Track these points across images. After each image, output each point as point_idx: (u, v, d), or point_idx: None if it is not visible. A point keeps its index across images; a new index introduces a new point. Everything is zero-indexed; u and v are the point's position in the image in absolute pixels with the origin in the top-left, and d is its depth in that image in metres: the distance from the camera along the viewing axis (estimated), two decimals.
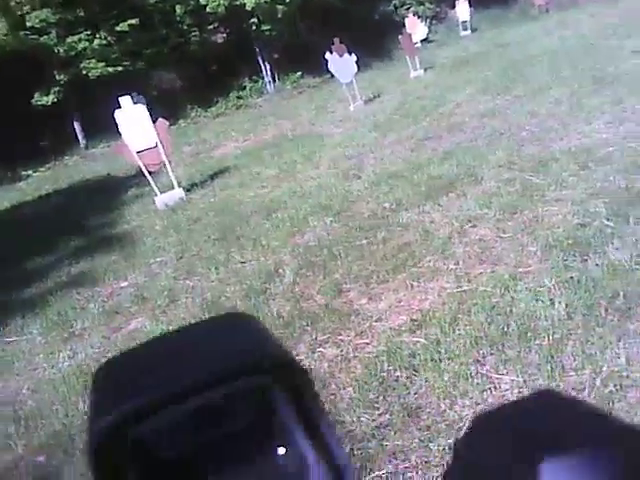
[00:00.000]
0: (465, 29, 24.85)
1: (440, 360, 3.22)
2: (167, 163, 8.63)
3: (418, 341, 3.48)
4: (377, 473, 2.57)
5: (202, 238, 6.57)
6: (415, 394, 3.02)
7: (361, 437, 2.80)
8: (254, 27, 21.57)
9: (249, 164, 9.99)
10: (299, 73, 22.44)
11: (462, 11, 24.35)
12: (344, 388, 3.24)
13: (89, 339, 4.82)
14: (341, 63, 12.82)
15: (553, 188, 5.30)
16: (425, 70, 15.89)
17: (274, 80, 22.51)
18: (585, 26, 16.65)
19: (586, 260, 3.90)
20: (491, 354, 3.17)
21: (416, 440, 2.69)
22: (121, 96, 8.48)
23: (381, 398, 3.06)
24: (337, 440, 0.39)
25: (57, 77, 18.35)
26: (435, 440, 2.66)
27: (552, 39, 15.88)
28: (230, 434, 0.42)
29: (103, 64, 18.57)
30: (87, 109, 18.12)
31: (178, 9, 20.34)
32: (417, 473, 2.52)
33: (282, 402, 0.39)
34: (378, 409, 2.98)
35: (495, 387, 2.91)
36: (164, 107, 15.76)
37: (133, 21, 18.77)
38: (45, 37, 17.95)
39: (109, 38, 18.75)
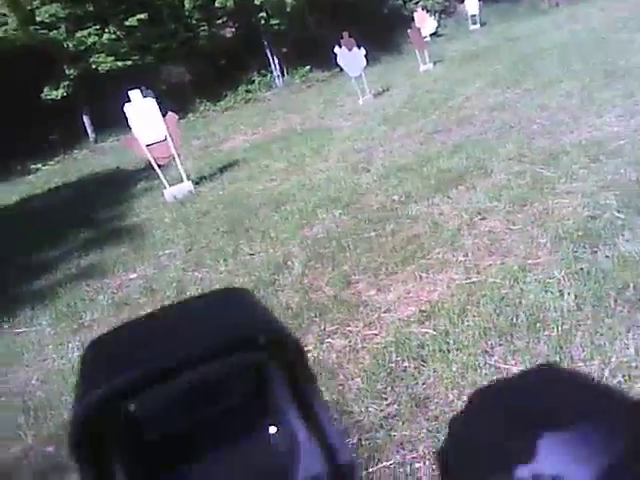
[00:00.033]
0: (474, 23, 24.77)
1: (448, 351, 3.22)
2: (176, 156, 8.64)
3: (427, 332, 3.47)
4: (385, 463, 2.57)
5: (211, 230, 6.58)
6: (423, 384, 3.01)
7: (369, 427, 2.80)
8: (263, 21, 21.57)
9: (258, 157, 9.99)
10: (308, 67, 22.42)
11: (471, 5, 24.27)
12: (352, 379, 3.24)
13: (98, 330, 4.83)
14: (350, 57, 12.79)
15: (563, 181, 5.28)
16: (434, 64, 15.85)
17: (283, 74, 22.51)
18: (595, 20, 16.55)
19: (596, 252, 3.88)
20: (500, 345, 3.16)
21: (424, 430, 2.69)
22: (130, 90, 8.49)
23: (389, 389, 3.05)
24: (330, 420, 0.38)
25: (67, 71, 18.41)
26: (443, 430, 2.65)
27: (562, 33, 15.80)
28: (221, 412, 0.42)
29: (112, 58, 18.62)
30: (96, 103, 18.17)
31: (187, 3, 20.35)
32: (425, 463, 2.51)
33: (277, 380, 0.39)
34: (386, 399, 2.98)
35: None
36: (173, 101, 15.79)
37: (142, 16, 18.81)
38: (55, 32, 18.00)
39: (118, 33, 18.79)
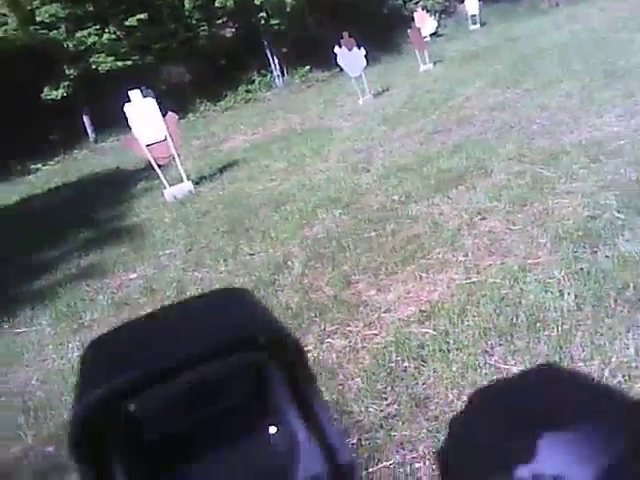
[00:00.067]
0: (474, 23, 24.78)
1: (448, 351, 3.22)
2: (176, 156, 8.64)
3: (427, 332, 3.47)
4: (385, 463, 2.57)
5: (211, 231, 6.58)
6: (423, 384, 3.01)
7: (369, 427, 2.80)
8: (263, 21, 21.58)
9: (258, 157, 10.00)
10: (308, 67, 22.44)
11: (471, 5, 24.28)
12: (352, 378, 3.24)
13: (98, 330, 4.83)
14: (350, 57, 12.79)
15: (563, 181, 5.28)
16: (434, 64, 15.86)
17: (283, 74, 22.52)
18: (595, 20, 16.55)
19: (596, 252, 3.88)
20: (500, 345, 3.16)
21: (424, 430, 2.69)
22: (130, 90, 8.49)
23: (389, 388, 3.06)
24: (330, 420, 0.38)
25: (67, 71, 18.42)
26: (443, 430, 2.65)
27: (562, 33, 15.81)
28: (222, 412, 0.41)
29: (112, 58, 18.63)
30: (96, 103, 18.18)
31: (187, 3, 20.35)
32: (424, 463, 2.51)
33: (277, 380, 0.38)
34: (386, 399, 2.98)
35: None
36: (173, 101, 15.80)
37: (142, 16, 18.81)
38: (55, 32, 18.01)
39: (118, 33, 18.80)
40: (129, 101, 8.44)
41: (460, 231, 4.79)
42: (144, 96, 8.80)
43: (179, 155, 8.78)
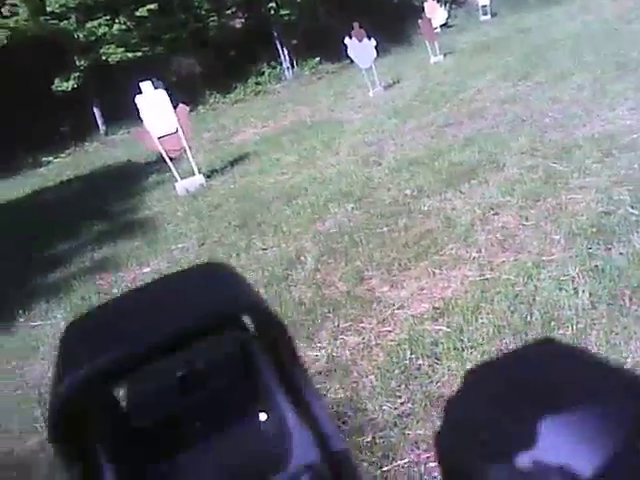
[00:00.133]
0: (485, 14, 24.64)
1: (463, 349, 3.22)
2: (187, 149, 8.65)
3: (440, 329, 3.48)
4: (399, 462, 2.57)
5: (223, 224, 6.60)
6: (437, 383, 3.01)
7: (383, 425, 2.81)
8: (272, 12, 21.51)
9: (268, 150, 10.00)
10: (317, 59, 22.38)
11: None
12: (366, 376, 3.25)
13: None
14: (360, 48, 12.74)
15: (577, 175, 5.25)
16: (445, 55, 15.80)
17: (292, 66, 22.47)
18: (608, 10, 16.40)
19: (610, 248, 3.86)
20: (514, 343, 3.16)
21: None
22: (140, 82, 8.49)
23: (403, 386, 3.06)
24: (322, 406, 0.38)
25: (77, 62, 18.45)
26: None
27: (574, 24, 15.69)
28: (210, 398, 0.42)
29: (122, 49, 18.65)
30: (107, 95, 18.22)
31: None
32: None
33: (263, 363, 0.39)
34: (400, 397, 2.98)
35: None
36: (183, 93, 15.81)
37: (152, 6, 18.81)
38: (65, 22, 18.04)
39: (128, 23, 18.80)
40: (140, 93, 8.44)
41: (473, 226, 4.78)
42: (155, 87, 8.80)
43: (190, 148, 8.79)
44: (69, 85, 18.50)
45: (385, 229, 5.22)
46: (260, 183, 8.04)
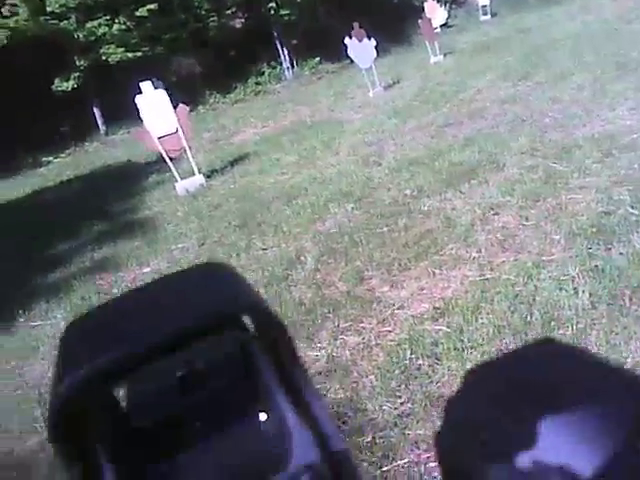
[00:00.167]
0: (485, 14, 24.65)
1: (463, 349, 3.22)
2: (187, 149, 8.65)
3: (440, 329, 3.48)
4: (399, 462, 2.57)
5: (223, 224, 6.60)
6: (438, 383, 3.01)
7: (383, 425, 2.81)
8: (272, 12, 21.51)
9: (268, 150, 10.00)
10: (317, 59, 22.38)
11: None
12: (366, 376, 3.25)
13: None
14: (360, 48, 12.74)
15: (577, 175, 5.25)
16: (445, 55, 15.80)
17: (292, 66, 22.48)
18: (608, 10, 16.40)
19: (610, 249, 3.86)
20: (514, 343, 3.16)
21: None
22: (140, 82, 8.49)
23: (403, 386, 3.06)
24: (322, 405, 0.38)
25: (77, 62, 18.46)
26: None
27: (574, 24, 15.70)
28: (210, 399, 0.42)
29: (122, 49, 18.65)
30: (106, 95, 18.22)
31: None
32: None
33: (263, 363, 0.39)
34: (400, 397, 2.98)
35: None
36: (183, 93, 15.81)
37: (152, 6, 18.82)
38: (65, 22, 18.04)
39: (128, 23, 18.80)
40: (140, 93, 8.44)
41: (473, 226, 4.78)
42: (155, 87, 8.80)
43: (190, 148, 8.79)
44: (69, 85, 18.51)
45: (385, 229, 5.22)
46: (260, 183, 8.04)
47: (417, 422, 2.77)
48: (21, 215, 10.34)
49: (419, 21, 15.78)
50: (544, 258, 3.98)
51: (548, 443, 0.29)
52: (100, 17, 18.48)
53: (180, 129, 8.53)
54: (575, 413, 0.29)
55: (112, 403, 0.41)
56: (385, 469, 2.55)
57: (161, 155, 8.73)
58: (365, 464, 2.56)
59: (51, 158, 17.26)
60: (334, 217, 5.89)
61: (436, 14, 19.79)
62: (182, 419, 0.41)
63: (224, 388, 0.42)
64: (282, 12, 21.57)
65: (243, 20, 23.02)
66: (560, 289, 3.53)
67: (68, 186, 12.47)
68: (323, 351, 3.57)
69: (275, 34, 22.20)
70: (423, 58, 16.01)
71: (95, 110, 19.28)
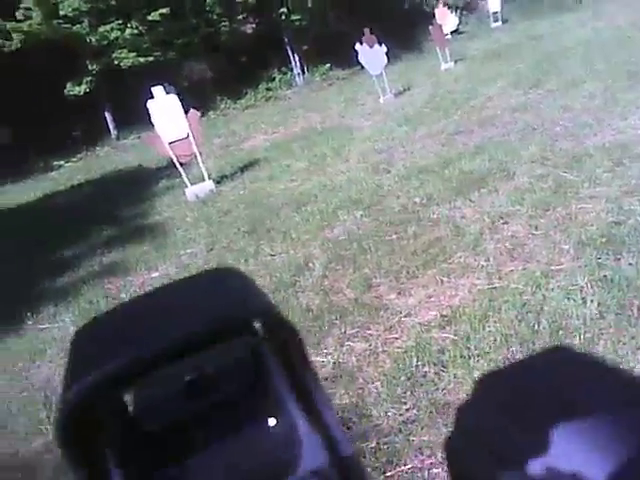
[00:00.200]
0: (496, 20, 24.61)
1: (469, 357, 3.21)
2: (198, 154, 8.67)
3: (447, 337, 3.47)
4: (402, 468, 2.58)
5: (232, 230, 6.61)
6: (443, 390, 3.01)
7: (388, 431, 2.81)
8: (283, 17, 21.58)
9: (278, 157, 10.01)
10: (328, 65, 22.42)
11: (493, 2, 24.10)
12: (372, 382, 3.25)
13: None
14: (371, 54, 12.74)
15: (587, 185, 5.23)
16: (456, 62, 15.79)
17: (303, 72, 22.52)
18: (620, 18, 16.34)
19: (620, 259, 3.84)
20: (521, 352, 3.14)
21: (443, 436, 2.67)
22: (152, 86, 8.52)
23: (409, 393, 3.05)
24: (331, 410, 0.38)
25: (89, 67, 18.56)
26: None
27: (586, 31, 15.65)
28: (219, 403, 0.42)
29: (134, 54, 18.73)
30: (118, 99, 18.31)
31: None
32: (443, 469, 2.51)
33: (274, 367, 0.39)
34: (405, 404, 2.98)
35: None
36: (194, 98, 15.87)
37: (164, 10, 18.88)
38: (78, 26, 18.15)
39: (140, 28, 18.89)
40: (151, 97, 8.47)
41: (482, 235, 4.77)
42: (167, 92, 8.83)
43: (201, 153, 8.81)
44: (81, 89, 18.60)
45: (394, 237, 5.21)
46: (270, 189, 8.05)
47: (422, 428, 2.76)
48: (32, 218, 10.39)
49: (430, 27, 15.79)
50: (553, 267, 3.97)
51: (560, 450, 0.28)
52: (112, 21, 18.58)
53: (191, 134, 8.56)
54: (587, 420, 0.29)
55: (121, 408, 0.41)
56: (389, 474, 2.56)
57: (171, 160, 8.75)
58: (369, 469, 2.56)
59: (62, 162, 17.36)
60: (343, 224, 5.89)
61: (447, 20, 19.81)
62: (191, 424, 0.41)
63: (233, 393, 0.42)
64: (293, 18, 21.63)
65: (254, 25, 23.09)
66: (568, 298, 3.51)
67: (79, 190, 12.53)
68: (329, 357, 3.58)
69: (286, 40, 22.26)
70: (434, 65, 16.00)
71: (106, 114, 19.38)
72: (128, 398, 0.41)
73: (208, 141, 12.22)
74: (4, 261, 7.64)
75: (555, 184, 5.44)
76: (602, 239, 4.13)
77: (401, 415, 2.91)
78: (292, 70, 22.50)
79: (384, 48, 12.76)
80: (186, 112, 8.61)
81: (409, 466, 2.58)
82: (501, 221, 4.95)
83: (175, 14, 19.37)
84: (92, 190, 12.07)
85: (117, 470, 0.35)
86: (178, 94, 9.11)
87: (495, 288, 3.89)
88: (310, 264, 5.09)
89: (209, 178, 8.87)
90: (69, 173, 15.40)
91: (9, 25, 17.09)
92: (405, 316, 3.87)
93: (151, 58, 19.00)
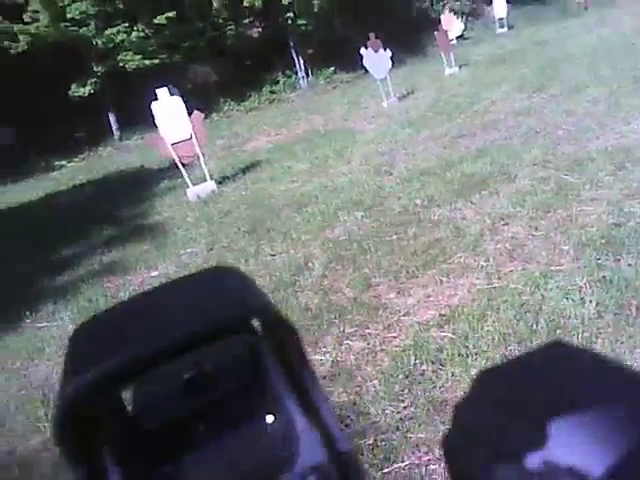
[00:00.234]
0: (502, 26, 24.65)
1: (467, 355, 3.20)
2: (200, 156, 8.68)
3: (446, 336, 3.46)
4: (400, 464, 2.57)
5: (233, 230, 6.61)
6: (441, 388, 3.00)
7: (385, 429, 2.80)
8: (289, 21, 21.63)
9: (281, 158, 10.02)
10: (332, 68, 22.46)
11: (499, 8, 24.15)
12: (370, 380, 3.24)
13: None
14: (376, 59, 12.75)
15: (588, 187, 5.23)
16: (460, 67, 15.80)
17: (307, 75, 22.56)
18: (625, 24, 16.38)
19: (619, 260, 3.84)
20: (519, 350, 3.13)
21: (440, 433, 2.67)
22: (157, 88, 8.55)
23: (407, 391, 3.05)
24: (328, 407, 0.38)
25: (95, 69, 18.61)
26: None
27: (591, 37, 15.67)
28: (217, 401, 0.41)
29: (140, 56, 18.78)
30: (122, 101, 18.35)
31: (215, 2, 20.42)
32: (440, 465, 2.51)
33: (272, 365, 0.39)
34: (403, 402, 2.98)
35: None
36: (198, 100, 15.88)
37: (170, 14, 18.93)
38: (84, 29, 18.21)
39: (146, 31, 18.93)
40: (155, 99, 8.49)
41: (482, 236, 4.77)
42: (171, 94, 8.85)
43: (203, 154, 8.82)
44: (86, 91, 18.65)
45: (394, 237, 5.21)
46: (271, 190, 8.06)
47: (419, 426, 2.76)
48: (33, 218, 10.41)
49: (435, 33, 15.80)
50: (552, 268, 3.96)
51: (559, 444, 0.28)
52: (119, 24, 18.63)
53: (194, 135, 8.57)
54: (586, 414, 0.29)
55: (119, 405, 0.40)
56: (386, 471, 2.55)
57: (174, 161, 8.76)
58: (367, 466, 2.56)
59: (64, 162, 17.39)
60: (343, 225, 5.89)
61: (453, 26, 19.85)
62: (189, 421, 0.41)
63: (232, 390, 0.42)
64: (299, 22, 21.67)
65: (260, 29, 23.13)
66: (567, 298, 3.51)
67: (80, 190, 12.54)
68: (328, 355, 3.57)
69: (291, 44, 22.30)
70: (438, 70, 16.02)
71: (110, 116, 19.42)
72: (126, 396, 0.41)
73: (211, 142, 12.22)
74: (4, 260, 7.65)
75: (556, 186, 5.43)
76: (602, 240, 4.13)
77: (399, 413, 2.90)
78: (296, 73, 22.54)
79: (389, 52, 12.77)
80: (190, 114, 8.62)
81: (406, 463, 2.57)
82: (501, 222, 4.95)
83: (181, 18, 19.43)
84: (93, 190, 12.09)
85: (115, 468, 0.35)
86: (182, 96, 9.12)
87: (494, 288, 3.89)
88: (310, 264, 5.09)
89: (211, 179, 8.88)
90: (71, 173, 15.42)
91: (16, 27, 17.15)
92: (404, 315, 3.86)
93: (156, 61, 19.05)
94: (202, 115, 9.02)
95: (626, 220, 4.40)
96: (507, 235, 4.70)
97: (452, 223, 5.22)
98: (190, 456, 0.40)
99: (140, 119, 14.80)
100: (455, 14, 22.96)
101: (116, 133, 19.39)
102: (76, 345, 0.38)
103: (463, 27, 23.56)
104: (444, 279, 4.22)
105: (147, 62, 18.81)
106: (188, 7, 19.83)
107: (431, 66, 18.10)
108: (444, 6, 25.21)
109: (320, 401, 0.38)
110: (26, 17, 17.49)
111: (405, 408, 2.92)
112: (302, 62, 22.39)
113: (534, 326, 3.31)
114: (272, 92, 21.61)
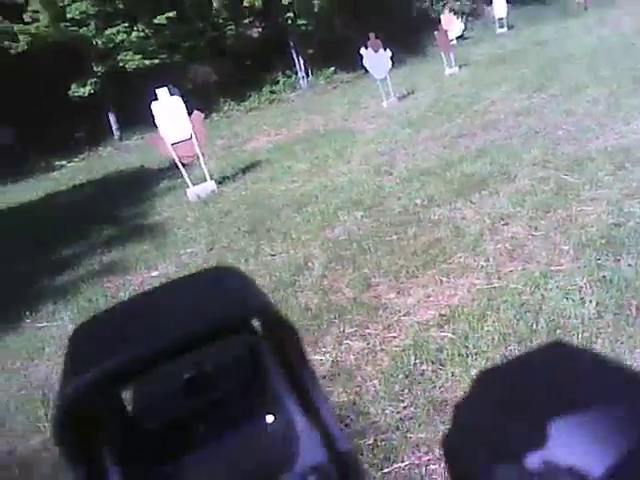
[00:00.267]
0: (502, 26, 24.65)
1: (467, 355, 3.20)
2: (200, 156, 8.68)
3: (445, 336, 3.46)
4: (400, 464, 2.57)
5: (232, 230, 6.61)
6: (441, 388, 3.00)
7: (385, 429, 2.80)
8: (290, 21, 21.62)
9: (281, 158, 10.01)
10: (332, 68, 22.45)
11: (499, 8, 24.15)
12: (370, 380, 3.24)
13: None
14: (376, 59, 12.75)
15: (588, 187, 5.23)
16: (460, 67, 15.79)
17: (307, 75, 22.55)
18: (625, 25, 16.38)
19: (619, 260, 3.84)
20: (519, 350, 3.13)
21: (440, 433, 2.67)
22: (157, 88, 8.54)
23: (406, 391, 3.05)
24: (328, 407, 0.38)
25: (95, 69, 18.60)
26: None
27: (591, 37, 15.67)
28: (217, 401, 0.41)
29: (140, 56, 18.77)
30: (122, 101, 18.35)
31: (215, 2, 20.42)
32: (440, 465, 2.51)
33: (272, 365, 0.39)
34: (403, 402, 2.98)
35: None
36: (198, 100, 15.87)
37: (170, 14, 18.92)
38: (84, 29, 18.19)
39: (147, 31, 18.92)
40: (155, 99, 8.48)
41: (482, 236, 4.77)
42: (171, 94, 8.84)
43: (203, 154, 8.82)
44: (86, 91, 18.63)
45: (394, 237, 5.21)
46: (271, 190, 8.05)
47: (419, 426, 2.76)
48: (33, 218, 10.40)
49: (435, 33, 15.80)
50: (552, 268, 3.96)
51: (559, 444, 0.28)
52: (119, 24, 18.62)
53: (194, 135, 8.56)
54: (587, 413, 0.29)
55: (119, 405, 0.41)
56: (386, 471, 2.55)
57: (174, 161, 8.76)
58: (367, 466, 2.56)
59: (64, 162, 17.38)
60: (343, 225, 5.89)
61: (453, 26, 19.85)
62: (189, 421, 0.41)
63: (232, 390, 0.42)
64: (299, 22, 21.66)
65: (260, 29, 23.12)
66: (567, 298, 3.51)
67: (80, 190, 12.54)
68: (328, 355, 3.57)
69: (291, 44, 22.30)
70: (438, 70, 16.02)
71: (110, 116, 19.42)
72: (126, 396, 0.41)
73: (211, 142, 12.21)
74: (4, 260, 7.65)
75: (556, 186, 5.43)
76: (602, 240, 4.13)
77: (398, 412, 2.90)
78: (296, 73, 22.53)
79: (389, 52, 12.77)
80: (190, 114, 8.62)
81: (406, 463, 2.57)
82: (501, 222, 4.95)
83: (181, 18, 19.42)
84: (93, 190, 12.08)
85: (115, 467, 0.35)
86: (182, 96, 9.12)
87: (494, 288, 3.89)
88: (310, 264, 5.09)
89: (211, 179, 8.88)
90: (71, 173, 15.42)
91: (16, 27, 17.14)
92: (404, 315, 3.86)
93: (156, 61, 19.04)
94: (202, 115, 9.01)
95: (626, 220, 4.40)
96: (507, 235, 4.70)
97: (452, 223, 5.22)
98: (190, 456, 0.40)
99: (140, 119, 14.80)
100: (455, 14, 22.97)
101: (116, 133, 19.39)
102: (76, 345, 0.38)
103: (463, 27, 23.56)
104: (444, 279, 4.22)
105: (147, 62, 18.80)
106: (188, 7, 19.82)
107: (431, 66, 18.09)
108: (444, 6, 25.20)
109: (320, 401, 0.38)
110: (26, 17, 17.47)
111: (405, 408, 2.92)
112: (302, 62, 22.38)
113: (534, 326, 3.31)
114: (272, 92, 21.60)
